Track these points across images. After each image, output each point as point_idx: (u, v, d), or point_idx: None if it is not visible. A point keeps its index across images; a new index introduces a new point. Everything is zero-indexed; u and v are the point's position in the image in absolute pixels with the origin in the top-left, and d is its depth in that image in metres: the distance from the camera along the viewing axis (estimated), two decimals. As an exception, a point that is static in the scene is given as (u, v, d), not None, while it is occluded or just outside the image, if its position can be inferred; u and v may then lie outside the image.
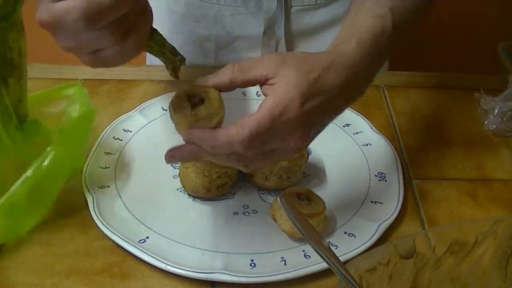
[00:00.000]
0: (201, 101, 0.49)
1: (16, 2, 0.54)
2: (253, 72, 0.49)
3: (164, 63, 0.56)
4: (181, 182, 0.63)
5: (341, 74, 0.49)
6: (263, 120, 0.46)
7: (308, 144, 0.51)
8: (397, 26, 0.53)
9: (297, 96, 0.47)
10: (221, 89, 0.50)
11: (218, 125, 0.49)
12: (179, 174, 0.63)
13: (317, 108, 0.48)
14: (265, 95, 0.48)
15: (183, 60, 0.56)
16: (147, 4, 0.49)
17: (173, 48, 0.55)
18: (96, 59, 0.47)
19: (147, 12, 0.49)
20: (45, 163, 0.56)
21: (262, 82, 0.49)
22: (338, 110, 0.52)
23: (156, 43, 0.55)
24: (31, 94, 0.64)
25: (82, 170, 0.64)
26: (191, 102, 0.49)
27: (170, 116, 0.50)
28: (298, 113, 0.47)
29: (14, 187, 0.55)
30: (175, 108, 0.49)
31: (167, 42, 0.55)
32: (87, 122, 0.62)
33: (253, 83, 0.49)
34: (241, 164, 0.50)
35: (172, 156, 0.51)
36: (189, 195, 0.63)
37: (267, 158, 0.49)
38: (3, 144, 0.58)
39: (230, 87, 0.50)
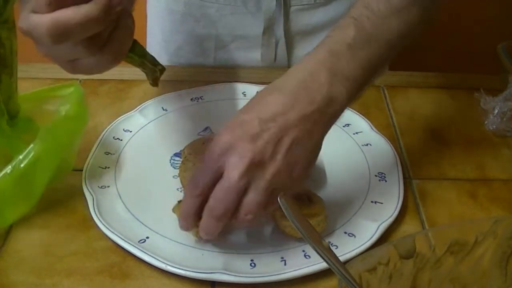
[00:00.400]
0: None
1: (6, 1, 0.55)
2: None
3: (145, 74, 0.56)
4: (181, 182, 0.63)
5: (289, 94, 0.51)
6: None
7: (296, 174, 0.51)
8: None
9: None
10: None
11: None
12: (179, 174, 0.63)
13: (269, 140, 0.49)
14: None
15: (163, 69, 0.56)
16: (129, 15, 0.49)
17: (153, 58, 0.56)
18: (74, 67, 0.48)
19: (127, 24, 0.49)
20: (25, 160, 0.56)
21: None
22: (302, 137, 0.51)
23: (137, 54, 0.55)
24: (29, 92, 0.65)
25: (71, 169, 0.64)
26: None
27: None
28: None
29: None
30: None
31: (148, 53, 0.55)
32: (78, 121, 0.61)
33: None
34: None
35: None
36: None
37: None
38: None
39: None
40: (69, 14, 0.43)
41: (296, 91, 0.50)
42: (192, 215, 0.52)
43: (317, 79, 0.50)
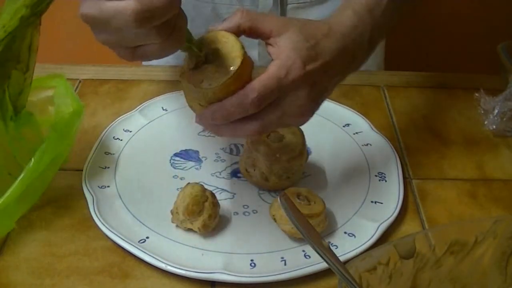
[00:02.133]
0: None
1: None
2: (260, 24, 0.52)
3: (188, 57, 0.57)
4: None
5: (338, 40, 0.54)
6: (270, 81, 0.50)
7: (316, 107, 0.55)
8: None
9: (298, 58, 0.51)
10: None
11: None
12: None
13: (318, 70, 0.52)
14: (269, 54, 0.52)
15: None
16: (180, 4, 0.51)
17: (198, 42, 0.56)
18: (136, 53, 0.48)
19: (183, 12, 0.51)
20: (43, 160, 0.57)
21: (266, 37, 0.53)
22: (338, 75, 0.55)
23: (187, 40, 0.56)
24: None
25: (66, 160, 0.64)
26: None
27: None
28: (301, 73, 0.51)
29: (12, 187, 0.55)
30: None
31: (193, 38, 0.56)
32: (78, 117, 0.62)
33: (258, 34, 0.53)
34: (256, 126, 0.52)
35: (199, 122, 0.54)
36: None
37: (280, 120, 0.53)
38: (1, 136, 0.59)
39: (237, 31, 0.53)
40: None
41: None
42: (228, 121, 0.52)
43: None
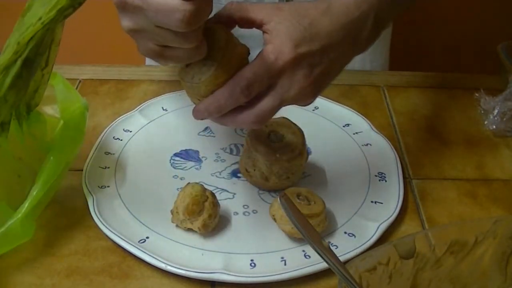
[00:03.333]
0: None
1: None
2: (251, 13, 0.51)
3: None
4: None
5: (338, 19, 0.51)
6: (259, 67, 0.49)
7: (318, 90, 0.53)
8: None
9: (289, 41, 0.49)
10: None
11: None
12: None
13: (315, 52, 0.50)
14: (264, 42, 0.51)
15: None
16: None
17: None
18: (165, 53, 0.48)
19: None
20: (60, 164, 0.57)
21: (259, 25, 0.52)
22: (340, 57, 0.53)
23: None
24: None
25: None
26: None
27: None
28: (292, 56, 0.49)
29: (33, 192, 0.55)
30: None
31: None
32: (85, 113, 0.62)
33: (249, 23, 0.52)
34: (252, 115, 0.51)
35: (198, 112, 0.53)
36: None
37: (279, 106, 0.51)
38: (12, 136, 0.57)
39: (227, 22, 0.52)
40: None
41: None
42: (223, 112, 0.51)
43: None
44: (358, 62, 0.87)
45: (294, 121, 0.65)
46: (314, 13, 0.51)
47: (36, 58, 0.54)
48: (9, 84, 0.53)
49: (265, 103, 0.51)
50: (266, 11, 0.51)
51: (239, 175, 0.66)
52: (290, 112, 0.71)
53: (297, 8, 0.51)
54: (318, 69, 0.51)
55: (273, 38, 0.50)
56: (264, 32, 0.51)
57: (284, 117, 0.65)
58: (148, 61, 0.95)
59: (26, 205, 0.54)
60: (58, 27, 0.55)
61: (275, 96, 0.51)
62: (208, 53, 0.49)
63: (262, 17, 0.51)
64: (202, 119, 0.53)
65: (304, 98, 0.53)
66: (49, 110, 0.63)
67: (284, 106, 0.52)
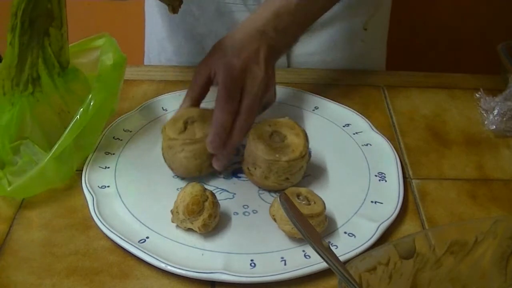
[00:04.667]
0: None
1: None
2: (198, 81, 0.66)
3: (165, 3, 0.62)
4: (170, 165, 0.64)
5: (245, 28, 0.68)
6: (222, 87, 0.63)
7: (264, 67, 0.66)
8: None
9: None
10: (195, 105, 0.67)
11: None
12: (163, 155, 0.65)
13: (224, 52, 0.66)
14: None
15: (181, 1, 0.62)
16: None
17: None
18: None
19: None
20: (90, 108, 0.61)
21: (211, 81, 0.66)
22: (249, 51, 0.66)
23: None
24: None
25: (114, 110, 0.70)
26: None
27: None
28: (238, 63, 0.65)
29: (64, 134, 0.60)
30: None
31: None
32: (120, 67, 0.66)
33: (205, 88, 0.67)
34: (242, 120, 0.63)
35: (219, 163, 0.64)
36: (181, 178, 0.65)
37: (260, 101, 0.66)
38: (48, 91, 0.64)
39: (197, 103, 0.68)
40: None
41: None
42: (228, 129, 0.62)
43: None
44: (354, 62, 0.87)
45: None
46: (229, 37, 0.67)
47: (38, 19, 0.60)
48: (19, 43, 0.60)
49: (246, 103, 0.63)
50: (204, 68, 0.66)
51: (239, 175, 0.66)
52: (290, 112, 0.72)
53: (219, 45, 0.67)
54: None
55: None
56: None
57: (289, 118, 0.65)
58: (147, 60, 0.95)
59: (56, 149, 0.60)
60: None
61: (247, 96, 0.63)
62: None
63: (207, 74, 0.66)
64: (223, 156, 0.64)
65: (261, 79, 0.65)
66: (90, 67, 0.68)
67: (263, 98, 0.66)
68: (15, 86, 0.62)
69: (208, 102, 0.66)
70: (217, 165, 0.63)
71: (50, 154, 0.60)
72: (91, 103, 0.61)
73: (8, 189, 0.60)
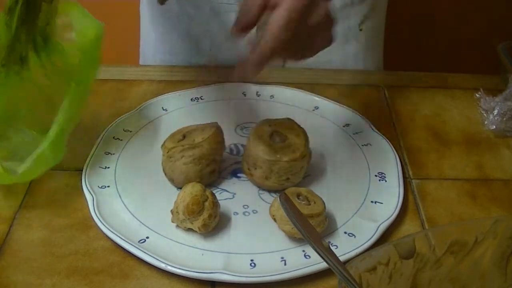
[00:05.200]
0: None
1: None
2: (253, 7, 0.58)
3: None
4: (170, 177, 0.63)
5: None
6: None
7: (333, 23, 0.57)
8: None
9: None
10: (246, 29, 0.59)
11: None
12: (163, 169, 0.64)
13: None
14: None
15: None
16: None
17: None
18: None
19: None
20: (80, 86, 0.60)
21: (263, 8, 0.57)
22: None
23: None
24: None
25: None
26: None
27: None
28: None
29: (58, 118, 0.59)
30: None
31: None
32: (100, 37, 0.63)
33: (258, 13, 0.57)
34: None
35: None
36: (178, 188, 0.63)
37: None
38: (33, 68, 0.62)
39: (248, 29, 0.58)
40: None
41: None
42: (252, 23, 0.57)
43: None
44: (351, 61, 0.87)
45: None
46: None
47: None
48: (17, 23, 0.58)
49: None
50: None
51: (239, 175, 0.66)
52: (290, 112, 0.72)
53: None
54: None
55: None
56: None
57: (289, 118, 0.65)
58: (142, 60, 0.95)
59: (54, 130, 0.59)
60: None
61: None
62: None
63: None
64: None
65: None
66: (67, 37, 0.65)
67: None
68: (1, 67, 0.60)
69: (204, 103, 0.65)
70: (238, 71, 0.57)
71: (50, 140, 0.59)
72: (82, 79, 0.60)
73: (19, 172, 0.59)
